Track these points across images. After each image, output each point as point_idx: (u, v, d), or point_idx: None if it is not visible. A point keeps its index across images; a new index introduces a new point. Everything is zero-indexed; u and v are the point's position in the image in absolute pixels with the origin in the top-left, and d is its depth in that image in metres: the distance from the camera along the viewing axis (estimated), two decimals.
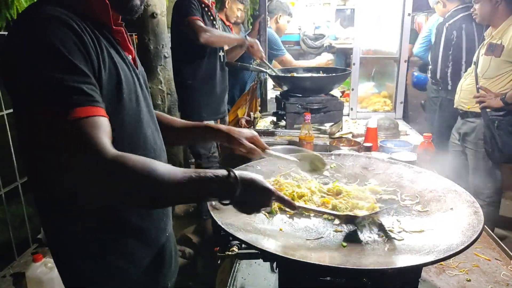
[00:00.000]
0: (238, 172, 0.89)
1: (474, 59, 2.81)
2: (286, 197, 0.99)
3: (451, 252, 0.86)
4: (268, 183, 0.94)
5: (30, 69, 0.78)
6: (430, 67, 3.62)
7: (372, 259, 0.91)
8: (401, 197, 1.22)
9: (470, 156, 2.86)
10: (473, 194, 1.16)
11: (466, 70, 3.00)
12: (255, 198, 0.92)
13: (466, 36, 3.24)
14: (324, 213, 1.11)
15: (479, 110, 2.69)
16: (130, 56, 1.03)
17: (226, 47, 2.92)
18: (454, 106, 2.96)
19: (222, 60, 2.81)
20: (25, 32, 0.81)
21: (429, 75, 3.66)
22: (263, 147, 1.28)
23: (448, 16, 3.39)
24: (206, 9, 2.69)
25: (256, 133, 1.29)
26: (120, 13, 1.00)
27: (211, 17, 2.76)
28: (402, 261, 0.91)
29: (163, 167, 0.82)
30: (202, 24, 2.53)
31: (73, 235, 0.97)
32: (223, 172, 0.88)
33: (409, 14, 2.84)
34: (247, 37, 2.82)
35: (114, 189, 0.79)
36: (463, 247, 0.87)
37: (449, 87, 3.36)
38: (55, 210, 0.96)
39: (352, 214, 1.08)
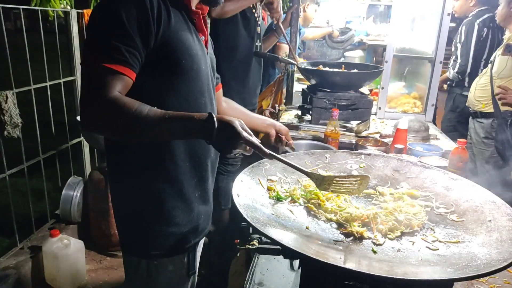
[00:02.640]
0: (219, 116, 1.02)
1: (491, 58, 2.87)
2: (256, 143, 1.03)
3: (492, 269, 0.79)
4: (241, 128, 1.02)
5: (96, 29, 1.04)
6: (459, 61, 3.54)
7: (405, 268, 0.86)
8: (436, 204, 1.16)
9: (478, 155, 2.92)
10: None
11: (483, 69, 3.13)
12: (227, 141, 1.01)
13: (492, 36, 3.39)
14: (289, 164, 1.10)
15: (491, 110, 2.75)
16: (203, 37, 1.22)
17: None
18: (467, 104, 3.03)
19: (258, 50, 2.74)
20: (106, 2, 1.05)
21: (455, 70, 3.56)
22: (291, 146, 1.54)
23: (474, 15, 3.47)
24: None
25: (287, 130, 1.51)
26: (204, 2, 1.22)
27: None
28: (436, 273, 0.85)
29: (148, 108, 0.99)
30: None
31: (124, 167, 1.21)
32: (202, 116, 1.01)
33: (448, 14, 2.72)
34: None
35: (105, 121, 1.00)
36: (506, 264, 0.81)
37: (466, 83, 3.50)
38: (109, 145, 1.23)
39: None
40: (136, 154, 1.18)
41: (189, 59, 1.12)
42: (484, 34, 3.39)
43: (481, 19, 3.40)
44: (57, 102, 2.86)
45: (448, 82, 3.74)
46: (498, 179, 2.67)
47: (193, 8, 1.17)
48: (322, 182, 1.10)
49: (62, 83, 2.89)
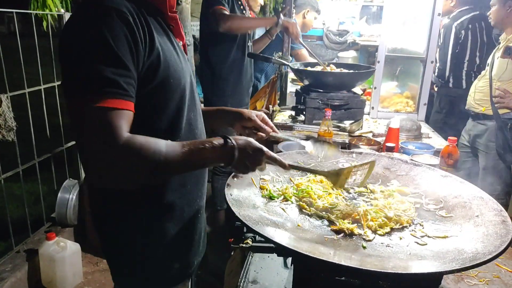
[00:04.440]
0: (233, 137, 0.98)
1: (489, 61, 2.83)
2: (277, 157, 1.03)
3: (477, 262, 0.82)
4: (260, 144, 1.01)
5: (79, 57, 0.86)
6: (437, 65, 3.59)
7: (393, 262, 0.88)
8: (425, 200, 1.18)
9: (481, 158, 2.89)
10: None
11: (477, 70, 3.11)
12: (250, 159, 0.99)
13: (473, 37, 3.33)
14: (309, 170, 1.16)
15: (490, 112, 2.74)
16: (181, 42, 1.11)
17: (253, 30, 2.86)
18: (466, 107, 2.98)
19: (250, 51, 2.78)
20: (82, 21, 0.89)
21: (435, 74, 3.60)
22: (271, 128, 1.30)
23: (453, 17, 3.47)
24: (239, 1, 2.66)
25: (264, 114, 1.32)
26: None
27: (241, 6, 2.72)
28: (425, 266, 0.88)
29: (164, 144, 0.90)
30: (225, 12, 2.49)
31: (111, 207, 1.07)
32: (219, 140, 0.96)
33: (439, 14, 2.76)
34: (281, 16, 2.72)
35: (125, 170, 0.88)
36: (490, 257, 0.83)
37: (450, 85, 3.50)
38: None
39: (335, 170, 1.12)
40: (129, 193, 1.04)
41: (176, 76, 1.01)
42: (463, 36, 3.37)
43: (459, 21, 3.38)
44: (52, 106, 2.87)
45: (435, 85, 3.77)
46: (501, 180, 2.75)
47: (169, 12, 1.05)
48: (338, 179, 1.12)
49: (56, 86, 2.89)
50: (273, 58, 2.87)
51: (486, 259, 0.83)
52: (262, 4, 3.36)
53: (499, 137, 2.71)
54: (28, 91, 2.60)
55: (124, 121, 0.87)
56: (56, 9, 2.84)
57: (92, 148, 0.85)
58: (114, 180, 0.89)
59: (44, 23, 2.81)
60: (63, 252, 2.49)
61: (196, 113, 1.14)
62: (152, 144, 0.88)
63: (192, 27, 3.32)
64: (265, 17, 2.86)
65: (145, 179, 0.92)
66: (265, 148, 1.00)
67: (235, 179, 1.15)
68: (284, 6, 3.05)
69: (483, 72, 2.89)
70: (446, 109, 3.60)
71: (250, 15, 2.80)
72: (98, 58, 0.85)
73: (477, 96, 2.83)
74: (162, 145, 0.89)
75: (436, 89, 3.77)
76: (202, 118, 1.19)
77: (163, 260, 1.12)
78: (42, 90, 2.74)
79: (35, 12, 2.70)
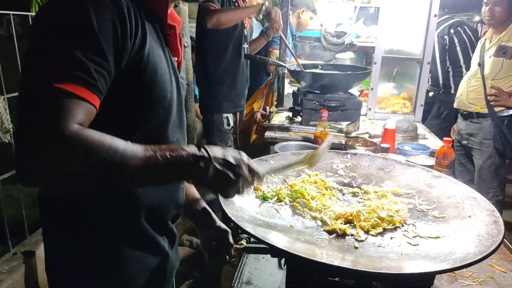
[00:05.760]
0: (210, 149, 0.81)
1: (478, 60, 2.85)
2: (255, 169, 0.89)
3: (468, 262, 0.82)
4: (239, 158, 0.85)
5: (53, 31, 0.74)
6: (429, 75, 3.61)
7: (384, 262, 0.88)
8: (418, 201, 1.19)
9: (476, 156, 2.93)
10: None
11: (466, 72, 3.14)
12: (223, 182, 0.83)
13: (459, 39, 3.42)
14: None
15: (487, 111, 2.78)
16: (176, 59, 0.99)
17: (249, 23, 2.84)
18: (456, 107, 3.03)
19: (246, 52, 2.78)
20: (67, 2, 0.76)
21: (429, 83, 3.64)
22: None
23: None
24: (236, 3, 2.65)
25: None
26: None
27: (237, 5, 2.72)
28: (416, 267, 0.88)
29: (123, 144, 0.74)
30: (212, 7, 2.45)
31: (63, 219, 0.94)
32: (193, 150, 0.79)
33: (435, 15, 2.77)
34: (266, 4, 2.71)
35: (67, 164, 0.70)
36: (481, 256, 0.84)
37: (452, 91, 3.52)
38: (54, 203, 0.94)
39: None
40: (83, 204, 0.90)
41: (163, 87, 0.88)
42: (447, 42, 3.44)
43: (439, 30, 3.41)
44: None
45: (431, 93, 3.80)
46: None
47: (168, 20, 0.93)
48: (312, 160, 1.10)
49: None
50: (270, 59, 2.88)
51: (476, 259, 0.83)
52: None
53: (497, 134, 2.75)
54: None
55: (82, 113, 0.72)
56: None
57: (24, 131, 0.69)
58: (47, 179, 0.71)
59: None
60: None
61: (179, 136, 1.02)
62: (107, 140, 0.72)
63: (190, 29, 3.34)
64: (250, 6, 2.79)
65: (91, 181, 0.74)
66: (245, 158, 0.86)
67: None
68: (280, 7, 3.04)
69: (472, 72, 2.90)
70: (444, 114, 3.64)
71: (246, 20, 2.79)
72: (75, 37, 0.73)
73: (470, 95, 2.86)
74: (121, 143, 0.73)
75: (430, 95, 3.80)
76: (185, 142, 1.07)
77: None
78: None
79: (33, 14, 2.70)
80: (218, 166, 0.81)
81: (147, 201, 0.96)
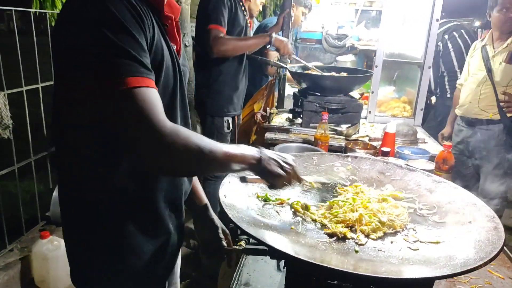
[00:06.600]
0: (264, 152, 1.00)
1: (484, 67, 2.82)
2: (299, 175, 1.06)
3: (468, 268, 0.82)
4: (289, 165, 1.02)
5: (90, 35, 0.77)
6: None
7: (384, 267, 0.88)
8: (418, 206, 1.19)
9: (485, 162, 2.89)
10: (484, 201, 1.14)
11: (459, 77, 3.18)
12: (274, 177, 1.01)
13: (454, 44, 3.47)
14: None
15: (498, 117, 2.77)
16: (175, 47, 1.04)
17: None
18: (462, 114, 2.97)
19: (248, 53, 2.76)
20: (86, 3, 0.80)
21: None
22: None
23: None
24: (240, 2, 2.60)
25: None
26: None
27: (244, 12, 2.65)
28: (416, 272, 0.88)
29: (210, 143, 0.89)
30: (221, 34, 2.40)
31: (85, 211, 0.98)
32: (257, 155, 0.98)
33: (437, 20, 2.77)
34: (273, 35, 2.64)
35: (171, 159, 0.84)
36: (481, 263, 0.84)
37: (448, 95, 3.58)
38: (76, 184, 0.98)
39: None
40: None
41: (167, 74, 0.95)
42: (441, 48, 3.48)
43: None
44: (49, 104, 2.85)
45: (433, 99, 3.83)
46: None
47: (165, 11, 0.98)
48: None
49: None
50: (272, 61, 2.87)
51: (477, 265, 0.83)
52: (261, 10, 3.36)
53: (508, 141, 2.77)
54: (26, 89, 2.60)
55: (156, 101, 0.81)
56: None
57: (130, 136, 0.80)
58: (171, 165, 0.87)
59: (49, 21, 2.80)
60: (57, 251, 2.48)
61: (184, 124, 1.08)
62: (199, 137, 0.88)
63: (192, 28, 3.33)
64: (258, 36, 2.75)
65: (194, 167, 0.91)
66: (290, 160, 1.05)
67: (230, 182, 1.13)
68: (283, 8, 3.04)
69: (481, 79, 2.83)
70: (441, 117, 3.65)
71: (249, 21, 2.77)
72: (112, 34, 0.77)
73: (482, 103, 2.82)
74: (205, 138, 0.90)
75: (433, 101, 3.82)
76: (190, 125, 1.15)
77: (133, 273, 1.03)
78: (40, 88, 2.73)
79: (33, 10, 2.69)
80: (270, 165, 0.99)
81: (158, 184, 1.02)
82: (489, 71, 2.77)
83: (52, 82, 2.85)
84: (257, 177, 1.04)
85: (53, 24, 2.78)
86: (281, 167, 1.02)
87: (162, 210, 1.05)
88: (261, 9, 3.36)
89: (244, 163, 0.97)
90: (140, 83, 0.78)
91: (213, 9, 2.41)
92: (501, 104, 2.73)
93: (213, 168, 0.97)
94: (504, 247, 1.43)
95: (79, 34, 0.79)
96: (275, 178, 1.01)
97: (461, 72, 3.23)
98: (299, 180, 1.08)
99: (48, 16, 2.80)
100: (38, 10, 2.77)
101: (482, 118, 2.84)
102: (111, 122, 0.80)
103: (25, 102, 2.61)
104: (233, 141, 2.96)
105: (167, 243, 1.09)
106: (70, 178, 0.99)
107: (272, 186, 1.05)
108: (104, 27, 0.77)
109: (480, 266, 0.83)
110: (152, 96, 0.80)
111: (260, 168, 0.99)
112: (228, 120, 2.72)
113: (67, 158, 0.97)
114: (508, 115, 2.74)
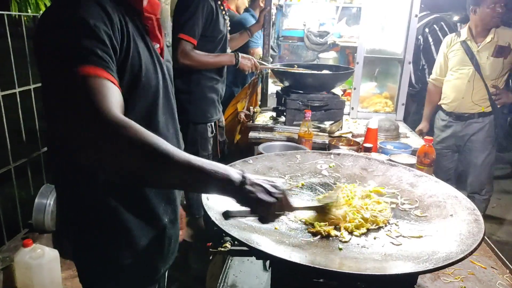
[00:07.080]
0: (250, 179, 0.89)
1: (471, 62, 2.89)
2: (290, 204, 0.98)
3: (450, 261, 0.83)
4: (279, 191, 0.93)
5: (58, 35, 0.82)
6: None
7: (368, 264, 0.88)
8: (401, 200, 1.20)
9: (474, 155, 2.98)
10: (473, 191, 1.15)
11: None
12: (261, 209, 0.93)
13: (434, 38, 3.52)
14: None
15: (490, 110, 2.89)
16: (158, 45, 1.07)
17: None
18: (453, 110, 3.03)
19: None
20: (59, 7, 0.87)
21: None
22: None
23: None
24: (219, 2, 2.53)
25: None
26: None
27: (223, 11, 2.58)
28: (399, 267, 0.88)
29: (168, 145, 0.80)
30: (189, 47, 2.34)
31: (79, 204, 1.01)
32: (237, 177, 0.87)
33: (416, 16, 2.80)
34: (239, 55, 2.58)
35: (113, 152, 0.76)
36: (462, 255, 0.85)
37: None
38: (67, 177, 1.01)
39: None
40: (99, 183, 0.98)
41: (147, 74, 0.97)
42: (421, 42, 3.52)
43: None
44: (27, 109, 2.80)
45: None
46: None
47: (145, 12, 1.01)
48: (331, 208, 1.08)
49: (32, 89, 2.82)
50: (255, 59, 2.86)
51: (458, 258, 0.84)
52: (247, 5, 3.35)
53: (501, 131, 2.88)
54: (3, 94, 2.54)
55: (110, 94, 0.79)
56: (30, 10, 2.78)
57: (76, 123, 0.76)
58: (105, 160, 0.77)
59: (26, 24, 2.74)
60: (40, 259, 2.43)
61: (169, 117, 1.10)
62: (152, 135, 0.79)
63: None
64: (226, 55, 2.62)
65: (137, 170, 0.79)
66: (280, 184, 0.94)
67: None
68: (264, 7, 3.03)
69: (470, 74, 2.88)
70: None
71: (228, 21, 2.71)
72: (77, 34, 0.81)
73: (475, 97, 2.91)
74: (165, 142, 0.81)
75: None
76: (177, 122, 1.16)
77: (131, 267, 1.07)
78: (17, 93, 2.67)
79: (7, 13, 2.63)
80: (255, 192, 0.89)
81: None
82: (477, 65, 2.84)
83: (30, 87, 2.79)
84: (244, 208, 0.92)
85: (26, 26, 2.72)
86: (269, 193, 0.90)
87: (156, 205, 1.08)
88: (247, 5, 3.35)
89: (216, 182, 0.84)
90: (91, 71, 0.79)
91: (189, 17, 2.32)
92: (493, 97, 2.83)
93: (169, 178, 0.82)
94: (486, 237, 1.47)
95: (46, 33, 0.85)
96: (263, 208, 0.91)
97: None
98: (290, 208, 0.99)
99: (23, 19, 2.73)
100: (12, 13, 2.71)
101: (474, 112, 2.94)
102: (62, 114, 0.79)
103: (2, 107, 2.54)
104: (220, 143, 2.91)
105: (163, 236, 1.13)
106: (63, 177, 1.02)
107: (263, 219, 0.95)
108: (74, 29, 0.82)
109: (462, 259, 0.84)
110: (105, 86, 0.80)
111: (242, 194, 0.88)
112: (211, 125, 2.65)
113: (58, 158, 1.01)
114: (499, 106, 2.86)
